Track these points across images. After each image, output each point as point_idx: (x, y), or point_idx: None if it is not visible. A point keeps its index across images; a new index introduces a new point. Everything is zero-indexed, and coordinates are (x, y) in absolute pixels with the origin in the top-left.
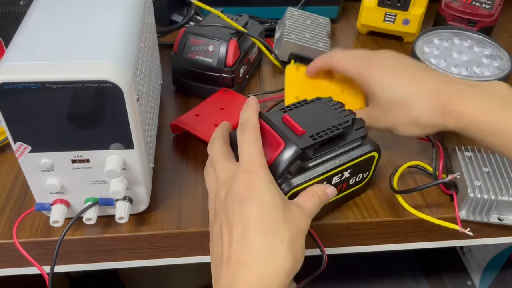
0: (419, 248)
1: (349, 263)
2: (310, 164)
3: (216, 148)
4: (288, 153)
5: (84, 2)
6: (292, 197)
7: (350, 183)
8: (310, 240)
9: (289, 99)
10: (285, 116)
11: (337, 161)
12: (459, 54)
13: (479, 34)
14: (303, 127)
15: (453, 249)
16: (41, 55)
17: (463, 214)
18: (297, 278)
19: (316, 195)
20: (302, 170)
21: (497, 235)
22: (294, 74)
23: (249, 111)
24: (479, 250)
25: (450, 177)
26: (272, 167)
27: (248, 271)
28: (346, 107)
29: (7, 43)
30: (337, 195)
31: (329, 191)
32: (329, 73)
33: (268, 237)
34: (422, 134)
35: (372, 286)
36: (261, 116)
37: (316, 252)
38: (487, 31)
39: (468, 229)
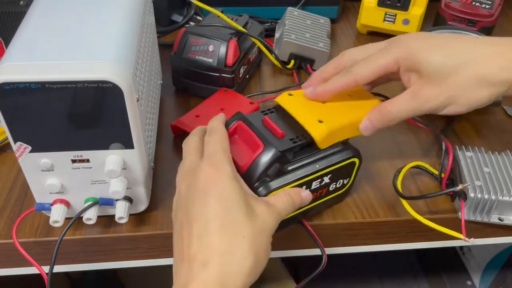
0: (419, 248)
1: (349, 263)
2: (289, 168)
3: (189, 142)
4: (266, 156)
5: (84, 2)
6: None
7: (330, 189)
8: (310, 240)
9: (314, 128)
10: (265, 118)
11: (317, 166)
12: None
13: (479, 34)
14: (284, 130)
15: (453, 249)
16: (41, 55)
17: (460, 208)
18: (297, 278)
19: (289, 195)
20: (281, 173)
21: (497, 235)
22: (292, 102)
23: (215, 120)
24: (479, 250)
25: (460, 186)
26: (250, 169)
27: (205, 270)
28: (359, 109)
29: (7, 43)
30: (317, 200)
31: (304, 195)
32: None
33: (227, 234)
34: (490, 97)
35: (372, 286)
36: (241, 118)
37: (316, 252)
38: (487, 31)
39: (472, 238)
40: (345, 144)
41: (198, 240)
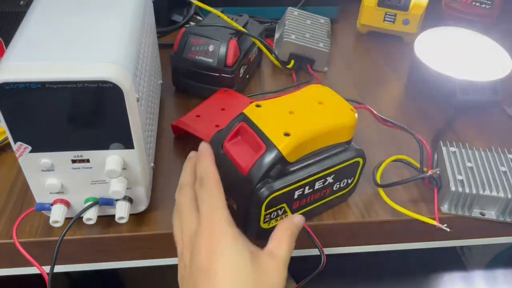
0: (419, 248)
1: (349, 263)
2: (292, 169)
3: (184, 196)
4: (269, 157)
5: (84, 2)
6: (273, 201)
7: (334, 188)
8: (309, 240)
9: (280, 141)
10: None
11: (320, 166)
12: None
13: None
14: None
15: (453, 249)
16: (41, 55)
17: (445, 208)
18: (297, 278)
19: (287, 234)
20: (283, 174)
21: (497, 235)
22: (259, 114)
23: (205, 162)
24: (479, 250)
25: (430, 172)
26: (253, 170)
27: None
28: (330, 117)
29: (7, 43)
30: (321, 200)
31: (297, 221)
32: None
33: None
34: None
35: (372, 286)
36: (244, 119)
37: (316, 252)
38: (487, 30)
39: (445, 224)
40: (348, 144)
41: None
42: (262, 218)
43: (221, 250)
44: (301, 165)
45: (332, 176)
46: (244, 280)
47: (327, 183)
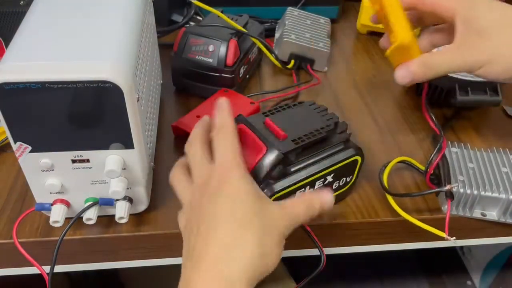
0: (419, 248)
1: (349, 263)
2: (293, 169)
3: (195, 148)
4: (269, 158)
5: (84, 2)
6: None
7: (334, 187)
8: (309, 240)
9: (405, 31)
10: (266, 120)
11: (320, 166)
12: None
13: None
14: (285, 131)
15: (453, 249)
16: (41, 55)
17: (446, 208)
18: (297, 278)
19: (307, 200)
20: (284, 175)
21: (497, 235)
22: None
23: (223, 113)
24: (479, 250)
25: (448, 187)
26: (254, 172)
27: (207, 263)
28: (412, 56)
29: (7, 43)
30: None
31: (324, 198)
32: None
33: (233, 229)
34: None
35: (372, 286)
36: (242, 120)
37: (316, 252)
38: None
39: (454, 237)
40: (347, 143)
41: (204, 237)
42: None
43: (231, 179)
44: (302, 165)
45: (332, 175)
46: (245, 205)
47: (327, 182)
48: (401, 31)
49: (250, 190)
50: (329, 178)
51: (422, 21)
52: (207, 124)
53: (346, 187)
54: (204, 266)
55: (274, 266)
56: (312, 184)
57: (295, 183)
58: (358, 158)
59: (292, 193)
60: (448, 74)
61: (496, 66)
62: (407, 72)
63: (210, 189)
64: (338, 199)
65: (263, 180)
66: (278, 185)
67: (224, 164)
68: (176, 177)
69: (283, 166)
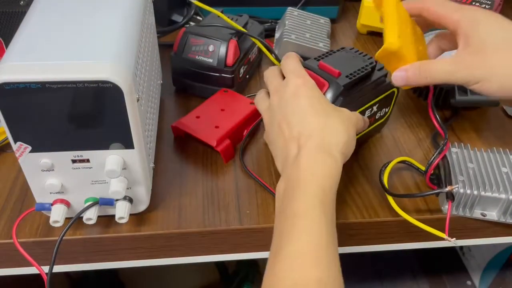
0: (419, 248)
1: (349, 263)
2: (349, 100)
3: (270, 70)
4: (332, 91)
5: (84, 2)
6: None
7: (377, 117)
8: None
9: (393, 36)
10: (320, 62)
11: (369, 97)
12: None
13: None
14: (338, 69)
15: (453, 249)
16: (41, 55)
17: (446, 208)
18: None
19: (360, 115)
20: (343, 105)
21: (497, 235)
22: (395, 5)
23: (290, 58)
24: (479, 250)
25: (448, 188)
26: None
27: (310, 140)
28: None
29: (7, 43)
30: (367, 128)
31: (366, 120)
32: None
33: (323, 116)
34: None
35: (372, 286)
36: (303, 64)
37: None
38: None
39: (454, 238)
40: (385, 77)
41: (298, 125)
42: None
43: (306, 86)
44: (356, 96)
45: (376, 105)
46: (324, 102)
47: (373, 111)
48: (388, 36)
49: (323, 96)
50: (375, 108)
51: (431, 25)
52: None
53: (385, 117)
54: (309, 142)
55: (353, 148)
56: (362, 113)
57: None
58: (395, 90)
59: None
60: None
61: (490, 84)
62: (403, 75)
63: (289, 92)
64: (376, 130)
65: None
66: None
67: (296, 71)
68: (259, 95)
69: (342, 98)
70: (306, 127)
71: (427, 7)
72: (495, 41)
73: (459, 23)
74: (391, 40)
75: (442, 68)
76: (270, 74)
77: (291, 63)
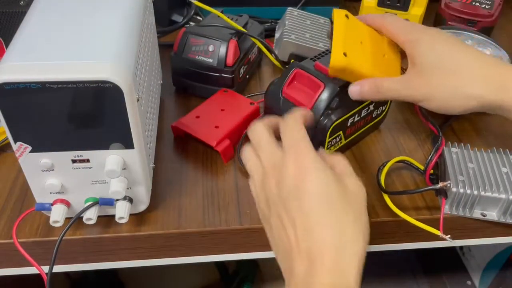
0: (419, 248)
1: None
2: (345, 100)
3: (259, 130)
4: (328, 92)
5: (84, 2)
6: (333, 129)
7: (374, 115)
8: None
9: (337, 54)
10: (316, 63)
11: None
12: None
13: (479, 34)
14: None
15: (453, 249)
16: (41, 55)
17: (446, 208)
18: None
19: (342, 156)
20: (339, 106)
21: (496, 235)
22: (343, 23)
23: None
24: (479, 250)
25: (440, 184)
26: (316, 106)
27: (322, 263)
28: (383, 74)
29: (7, 43)
30: (364, 127)
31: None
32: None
33: (332, 227)
34: (459, 109)
35: (372, 286)
36: (297, 66)
37: None
38: (487, 31)
39: (449, 235)
40: None
41: (307, 234)
42: (326, 145)
43: (309, 167)
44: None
45: (373, 104)
46: (334, 196)
47: (369, 110)
48: (333, 53)
49: (329, 175)
50: (371, 107)
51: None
52: (268, 120)
53: (382, 115)
54: (321, 267)
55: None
56: (359, 112)
57: (347, 112)
58: None
59: (345, 121)
60: None
61: (431, 103)
62: (358, 90)
63: (288, 181)
64: (374, 128)
65: (323, 112)
66: (335, 116)
67: (294, 148)
68: (246, 153)
69: (338, 98)
70: (317, 243)
71: (385, 25)
72: (431, 63)
73: (405, 44)
74: (335, 57)
75: (390, 86)
76: (257, 135)
77: (290, 124)
